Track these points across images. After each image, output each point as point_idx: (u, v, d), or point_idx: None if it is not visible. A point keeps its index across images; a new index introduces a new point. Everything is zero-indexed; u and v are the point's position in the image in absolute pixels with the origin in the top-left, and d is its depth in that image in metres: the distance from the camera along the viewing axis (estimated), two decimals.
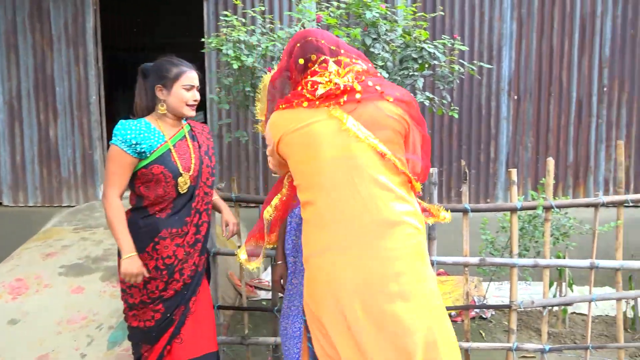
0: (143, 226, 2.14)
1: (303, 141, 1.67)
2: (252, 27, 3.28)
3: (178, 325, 2.18)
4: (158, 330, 2.17)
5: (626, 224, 4.52)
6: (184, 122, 2.28)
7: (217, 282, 2.91)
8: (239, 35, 2.91)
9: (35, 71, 4.90)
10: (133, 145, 2.08)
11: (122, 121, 2.14)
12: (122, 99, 8.92)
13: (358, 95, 1.65)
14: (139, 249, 2.11)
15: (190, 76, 2.17)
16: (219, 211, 2.49)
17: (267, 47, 2.91)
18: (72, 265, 3.71)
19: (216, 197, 2.47)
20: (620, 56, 4.70)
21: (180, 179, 2.14)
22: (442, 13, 4.35)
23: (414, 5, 3.32)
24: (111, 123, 9.64)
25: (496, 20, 4.74)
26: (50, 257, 3.83)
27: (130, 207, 2.21)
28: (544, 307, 2.94)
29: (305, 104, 1.68)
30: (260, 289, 4.28)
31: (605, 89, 4.74)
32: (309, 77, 1.72)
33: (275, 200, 1.97)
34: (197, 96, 2.19)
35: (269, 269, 4.57)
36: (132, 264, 2.06)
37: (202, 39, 3.26)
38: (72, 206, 4.97)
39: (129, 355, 2.91)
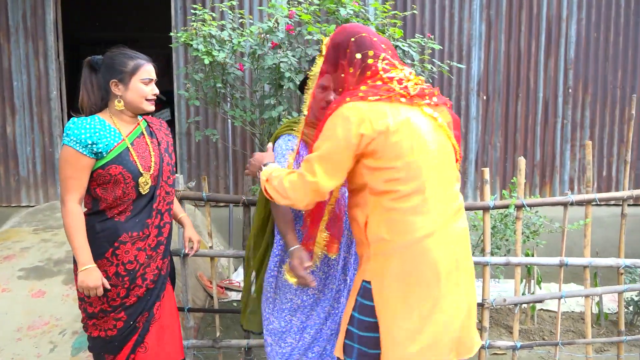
0: (101, 230, 2.00)
1: (412, 134, 1.72)
2: (223, 22, 3.21)
3: (142, 333, 2.07)
4: (121, 340, 2.05)
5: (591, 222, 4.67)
6: (139, 118, 2.15)
7: (187, 284, 2.83)
8: (209, 30, 2.82)
9: None
10: (89, 146, 1.94)
11: (73, 119, 2.00)
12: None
13: (435, 99, 1.80)
14: (98, 254, 1.99)
15: (148, 69, 2.05)
16: (181, 225, 2.37)
17: (239, 42, 2.83)
18: (32, 268, 3.54)
19: (179, 209, 2.35)
20: (584, 58, 4.83)
21: (140, 179, 2.02)
22: (415, 12, 4.37)
23: (387, 3, 3.31)
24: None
25: (466, 21, 4.79)
26: (9, 260, 3.65)
27: (85, 210, 2.05)
28: (516, 304, 2.97)
29: (402, 99, 1.73)
30: (231, 290, 4.19)
31: (570, 91, 4.86)
32: (382, 73, 1.75)
33: (322, 226, 1.94)
34: (156, 90, 2.08)
35: (240, 269, 4.49)
36: (90, 277, 1.93)
37: (170, 34, 3.16)
38: (32, 206, 4.78)
39: None
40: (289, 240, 2.07)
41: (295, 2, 3.15)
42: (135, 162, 2.01)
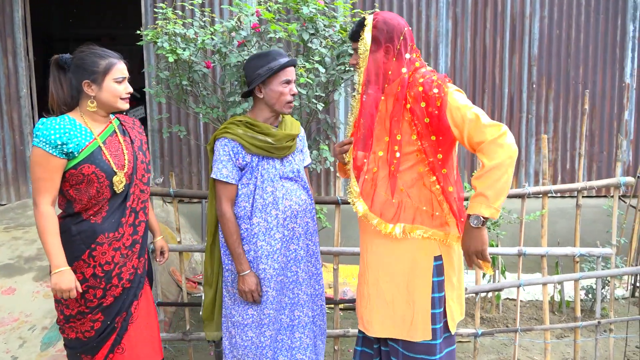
0: (77, 233, 1.98)
1: None
2: (189, 20, 3.24)
3: (120, 333, 2.06)
4: (99, 340, 2.04)
5: (553, 213, 4.83)
6: (112, 116, 2.13)
7: (157, 279, 2.88)
8: (174, 28, 2.87)
9: None
10: (59, 146, 1.91)
11: (42, 120, 1.96)
12: None
13: None
14: (74, 257, 1.97)
15: (121, 68, 2.02)
16: (153, 233, 2.35)
17: (203, 40, 2.88)
18: (2, 266, 3.56)
19: (152, 216, 2.32)
20: (547, 55, 4.97)
21: (115, 178, 2.00)
22: (377, 10, 4.44)
23: (352, 1, 3.38)
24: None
25: (433, 19, 4.89)
26: None
27: (60, 213, 2.04)
28: (477, 293, 3.08)
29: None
30: (202, 284, 4.24)
31: (534, 86, 5.00)
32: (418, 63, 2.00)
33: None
34: (130, 88, 2.06)
35: None
36: (63, 279, 1.92)
37: (138, 31, 3.19)
38: (3, 204, 4.75)
39: (64, 355, 2.83)
40: (241, 262, 2.16)
41: (262, 1, 3.21)
42: (109, 161, 1.99)
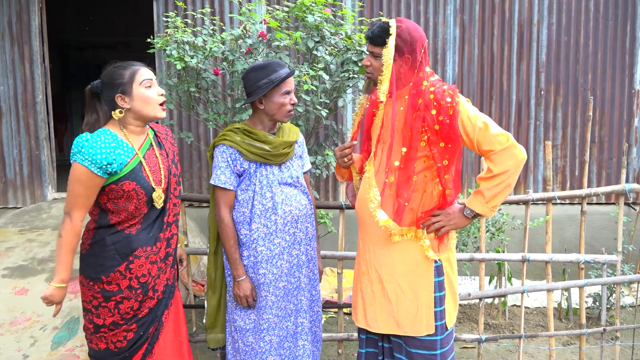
0: (111, 243, 1.97)
1: None
2: (198, 28, 3.32)
3: (151, 342, 2.06)
4: (131, 351, 2.02)
5: (562, 220, 4.82)
6: (146, 126, 2.09)
7: None
8: (182, 37, 2.94)
9: None
10: (104, 166, 1.88)
11: (85, 136, 1.91)
12: (74, 98, 8.81)
13: None
14: (108, 267, 1.96)
15: (144, 72, 1.99)
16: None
17: (210, 48, 2.95)
18: (16, 267, 3.65)
19: None
20: (555, 61, 4.97)
21: (154, 194, 1.99)
22: (382, 18, 4.49)
23: (356, 10, 3.43)
24: (66, 122, 9.41)
25: (440, 26, 4.92)
26: None
27: (93, 225, 2.01)
28: (480, 298, 3.09)
29: None
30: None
31: (542, 93, 5.00)
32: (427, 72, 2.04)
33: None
34: (161, 90, 2.03)
35: None
36: (59, 294, 1.94)
37: (148, 39, 3.28)
38: (19, 208, 4.87)
39: (73, 355, 2.91)
40: (237, 268, 2.21)
41: (271, 9, 3.28)
42: (148, 178, 1.98)
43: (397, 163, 2.01)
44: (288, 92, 2.21)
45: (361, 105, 2.23)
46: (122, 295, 1.98)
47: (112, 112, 1.97)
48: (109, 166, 1.89)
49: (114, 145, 1.91)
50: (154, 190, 1.99)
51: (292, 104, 2.23)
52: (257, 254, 2.22)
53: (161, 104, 2.02)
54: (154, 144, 2.07)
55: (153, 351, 2.06)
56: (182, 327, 2.20)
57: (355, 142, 2.20)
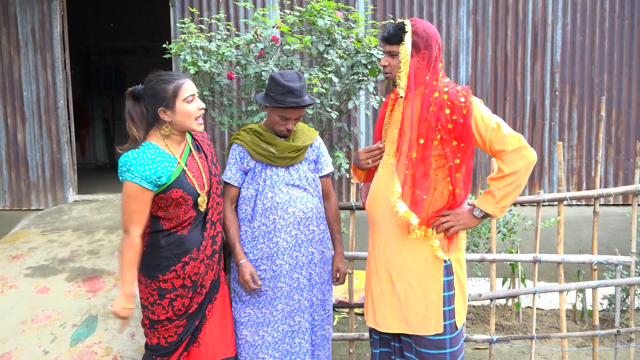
0: (166, 244, 2.10)
1: None
2: (212, 33, 3.40)
3: (195, 334, 2.19)
4: (178, 343, 2.16)
5: (577, 221, 4.78)
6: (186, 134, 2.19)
7: None
8: (195, 42, 3.02)
9: (2, 76, 4.95)
10: (154, 181, 2.00)
11: (132, 154, 2.01)
12: (96, 103, 9.01)
13: None
14: (164, 267, 2.09)
15: (188, 86, 2.06)
16: None
17: (223, 52, 3.02)
18: (38, 267, 3.77)
19: None
20: (570, 62, 4.94)
21: (199, 199, 2.12)
22: (392, 21, 4.52)
23: (367, 13, 3.47)
24: (87, 127, 9.59)
25: (453, 27, 4.93)
26: (17, 259, 3.89)
27: (147, 227, 2.11)
28: (491, 299, 3.10)
29: None
30: None
31: (557, 93, 4.97)
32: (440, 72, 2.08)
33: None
34: (201, 104, 2.10)
35: None
36: (125, 310, 2.06)
37: (164, 45, 3.37)
38: (41, 209, 5.01)
39: (91, 351, 3.00)
40: (237, 253, 2.27)
41: (283, 14, 3.34)
42: (193, 183, 2.10)
43: (414, 155, 2.06)
44: (286, 118, 2.26)
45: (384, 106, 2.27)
46: (176, 292, 2.11)
47: (160, 130, 2.07)
48: (158, 180, 2.01)
49: (159, 160, 2.03)
50: (198, 195, 2.11)
51: (288, 129, 2.29)
52: (257, 251, 2.30)
53: (197, 118, 2.08)
54: (192, 149, 2.18)
55: (198, 339, 2.19)
56: (229, 318, 2.31)
57: (382, 144, 2.23)
